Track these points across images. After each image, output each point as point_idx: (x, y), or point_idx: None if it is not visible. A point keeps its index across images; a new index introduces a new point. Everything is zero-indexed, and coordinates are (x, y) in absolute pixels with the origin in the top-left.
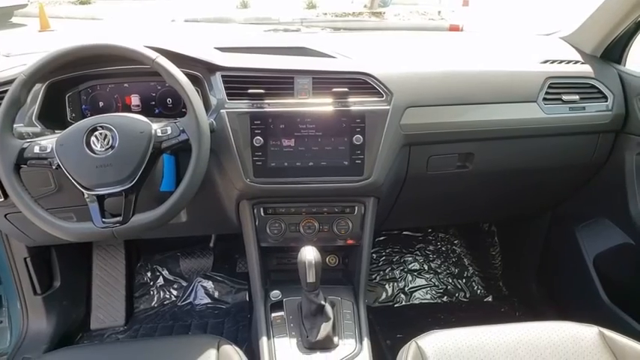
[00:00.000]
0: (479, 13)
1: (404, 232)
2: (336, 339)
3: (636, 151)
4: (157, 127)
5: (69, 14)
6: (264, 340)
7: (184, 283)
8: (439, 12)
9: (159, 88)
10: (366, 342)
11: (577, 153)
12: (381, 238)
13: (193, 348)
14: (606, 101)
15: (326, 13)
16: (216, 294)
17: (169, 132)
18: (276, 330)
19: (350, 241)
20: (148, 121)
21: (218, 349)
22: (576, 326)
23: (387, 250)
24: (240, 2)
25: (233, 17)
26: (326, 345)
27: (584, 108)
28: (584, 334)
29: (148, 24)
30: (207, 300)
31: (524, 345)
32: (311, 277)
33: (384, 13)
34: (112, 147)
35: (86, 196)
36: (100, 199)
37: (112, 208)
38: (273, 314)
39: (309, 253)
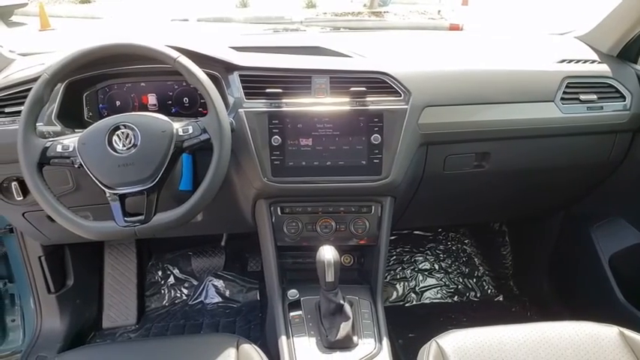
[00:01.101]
0: (478, 13)
1: (415, 232)
2: (355, 338)
3: None
4: (178, 126)
5: (69, 13)
6: (283, 339)
7: (195, 282)
8: (439, 11)
9: (176, 87)
10: (385, 342)
11: (594, 152)
12: (392, 237)
13: (213, 347)
14: (624, 101)
15: (326, 13)
16: (227, 293)
17: (191, 131)
18: (295, 329)
19: (367, 241)
20: (169, 120)
21: (237, 348)
22: (596, 326)
23: (398, 250)
24: (239, 1)
25: (233, 17)
26: (346, 344)
27: (601, 107)
28: (605, 334)
29: (147, 23)
30: (218, 299)
31: (545, 345)
32: (330, 277)
33: (383, 12)
34: (134, 146)
35: (108, 195)
36: (122, 198)
37: (131, 207)
38: (292, 313)
39: (327, 253)
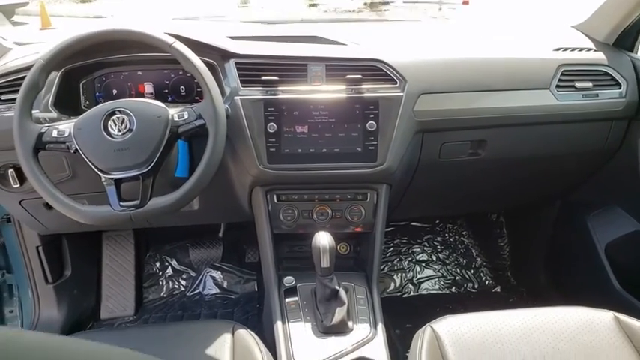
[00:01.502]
0: (479, 12)
1: (412, 224)
2: (350, 323)
3: None
4: (173, 112)
5: (70, 12)
6: (279, 324)
7: (193, 274)
8: (440, 9)
9: (172, 75)
10: (380, 327)
11: (589, 140)
12: (390, 229)
13: (208, 332)
14: (620, 88)
15: (327, 11)
16: (225, 284)
17: (186, 117)
18: (290, 315)
19: (362, 228)
20: (164, 106)
21: (233, 334)
22: (591, 311)
23: (396, 241)
24: (241, 0)
25: (234, 15)
26: (341, 329)
27: (597, 95)
28: (600, 318)
29: (148, 22)
30: (215, 290)
31: (540, 329)
32: (325, 262)
33: (384, 10)
34: (129, 131)
35: (103, 179)
36: (118, 182)
37: (127, 195)
38: (287, 299)
39: (323, 238)
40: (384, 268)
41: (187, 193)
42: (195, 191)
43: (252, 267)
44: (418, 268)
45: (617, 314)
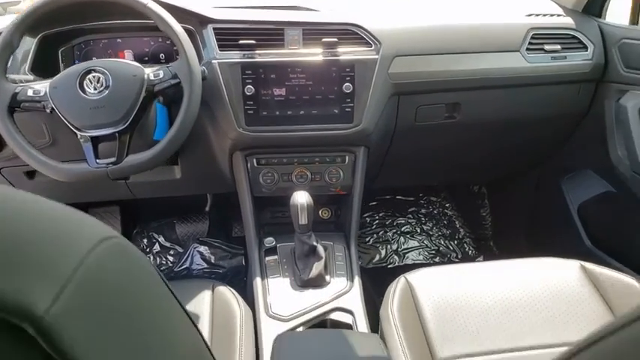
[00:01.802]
0: None
1: (397, 197)
2: (328, 277)
3: (615, 99)
4: (149, 71)
5: None
6: (257, 280)
7: (181, 250)
8: None
9: (152, 43)
10: (357, 280)
11: (560, 103)
12: (374, 203)
13: (188, 290)
14: (587, 51)
15: None
16: (213, 259)
17: (161, 75)
18: (269, 271)
19: (341, 191)
20: (140, 65)
21: (212, 290)
22: (559, 260)
23: (380, 214)
24: None
25: None
26: (318, 282)
27: (565, 57)
28: (567, 265)
29: None
30: (203, 265)
31: (509, 275)
32: (303, 219)
33: None
34: (105, 88)
35: (79, 137)
36: (94, 140)
37: (104, 155)
38: (267, 258)
39: (301, 197)
40: (369, 240)
41: (164, 148)
42: (171, 148)
43: (239, 242)
44: (402, 240)
45: (583, 263)
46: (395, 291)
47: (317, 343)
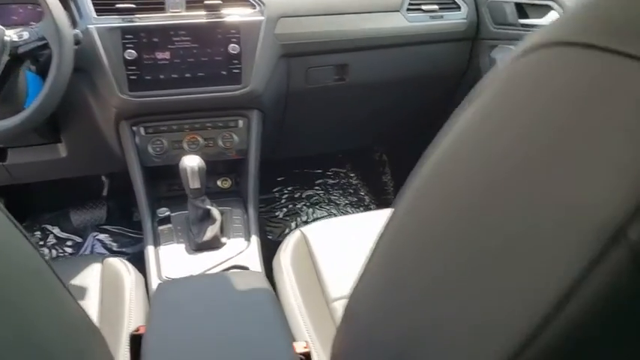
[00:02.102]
0: None
1: (304, 170)
2: (224, 239)
3: (488, 54)
4: (12, 32)
5: None
6: (149, 249)
7: (79, 239)
8: None
9: (20, 11)
10: (254, 238)
11: (441, 61)
12: (282, 178)
13: (78, 266)
14: (460, 10)
15: None
16: (115, 246)
17: (26, 37)
18: (162, 239)
19: (237, 155)
20: (1, 26)
21: (103, 263)
22: None
23: (289, 188)
24: None
25: None
26: (213, 245)
27: (442, 17)
28: None
29: None
30: (106, 253)
31: None
32: (195, 184)
33: None
34: None
35: None
36: None
37: None
38: (160, 227)
39: (190, 160)
40: (279, 214)
41: (33, 112)
42: (42, 112)
43: (140, 226)
44: (311, 211)
45: None
46: (289, 242)
47: (196, 284)
